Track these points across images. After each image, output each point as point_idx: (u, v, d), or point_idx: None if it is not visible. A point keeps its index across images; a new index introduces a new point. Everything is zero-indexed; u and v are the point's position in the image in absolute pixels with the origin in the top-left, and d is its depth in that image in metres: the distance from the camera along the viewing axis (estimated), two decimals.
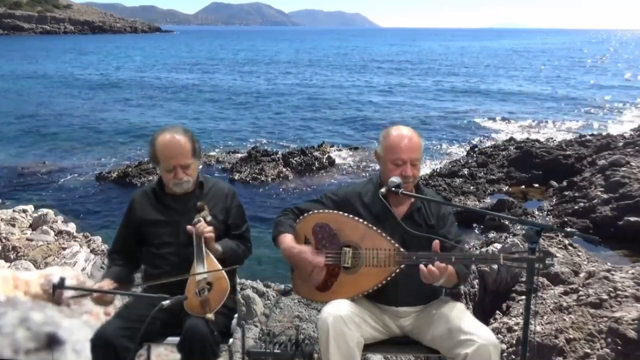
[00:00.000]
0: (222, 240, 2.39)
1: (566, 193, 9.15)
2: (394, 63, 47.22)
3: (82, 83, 28.77)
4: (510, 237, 6.19)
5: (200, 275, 2.17)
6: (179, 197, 2.41)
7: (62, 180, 11.04)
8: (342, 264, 2.24)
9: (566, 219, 8.09)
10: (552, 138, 14.11)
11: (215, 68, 40.58)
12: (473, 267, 4.05)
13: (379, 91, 26.76)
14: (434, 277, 2.03)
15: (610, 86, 28.77)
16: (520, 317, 3.37)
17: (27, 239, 6.01)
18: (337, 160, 12.62)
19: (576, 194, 8.85)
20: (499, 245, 4.94)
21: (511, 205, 8.66)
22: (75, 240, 6.26)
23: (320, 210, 2.33)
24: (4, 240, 5.77)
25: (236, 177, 10.94)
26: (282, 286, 4.81)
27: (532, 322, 1.84)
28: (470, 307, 4.26)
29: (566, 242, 4.44)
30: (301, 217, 2.34)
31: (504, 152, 12.08)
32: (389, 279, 2.17)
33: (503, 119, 18.55)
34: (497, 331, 3.49)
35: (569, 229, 7.36)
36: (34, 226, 6.74)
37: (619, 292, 3.23)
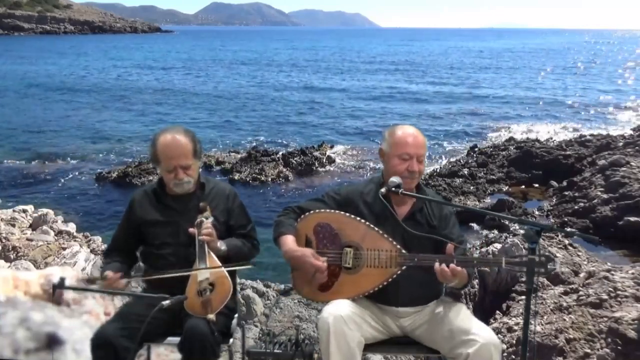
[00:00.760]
0: (227, 239, 2.39)
1: (566, 193, 9.16)
2: (393, 63, 47.22)
3: (82, 83, 28.77)
4: (510, 237, 6.18)
5: (203, 275, 2.16)
6: (179, 197, 2.41)
7: (62, 180, 11.04)
8: (343, 264, 2.24)
9: (566, 219, 8.09)
10: (552, 138, 14.12)
11: (215, 68, 40.58)
12: None
13: (378, 91, 26.75)
14: (446, 277, 2.04)
15: (609, 86, 28.76)
16: (520, 317, 3.37)
17: (27, 239, 6.01)
18: (337, 160, 12.63)
19: (576, 194, 8.85)
20: (499, 245, 4.94)
21: (511, 205, 8.67)
22: (75, 240, 6.26)
23: (322, 210, 2.32)
24: (4, 240, 5.77)
25: (236, 177, 10.94)
26: (282, 286, 4.81)
27: (532, 322, 1.84)
28: (470, 307, 4.26)
29: (566, 242, 4.44)
30: (302, 216, 2.34)
31: (504, 152, 12.09)
32: (390, 280, 2.17)
33: (503, 120, 18.56)
34: (497, 331, 3.49)
35: (569, 229, 7.36)
36: (34, 226, 6.74)
37: (619, 292, 3.23)
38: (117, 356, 2.02)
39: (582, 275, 3.81)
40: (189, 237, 2.28)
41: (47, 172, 11.56)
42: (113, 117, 18.68)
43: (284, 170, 11.43)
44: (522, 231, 5.79)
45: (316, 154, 12.57)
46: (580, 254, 4.28)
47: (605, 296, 3.24)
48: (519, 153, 11.28)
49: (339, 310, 2.07)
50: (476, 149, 13.08)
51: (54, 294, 2.05)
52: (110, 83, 29.15)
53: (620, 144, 10.96)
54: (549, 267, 1.87)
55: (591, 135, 13.04)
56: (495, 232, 7.78)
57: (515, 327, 3.43)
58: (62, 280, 1.95)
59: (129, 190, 10.08)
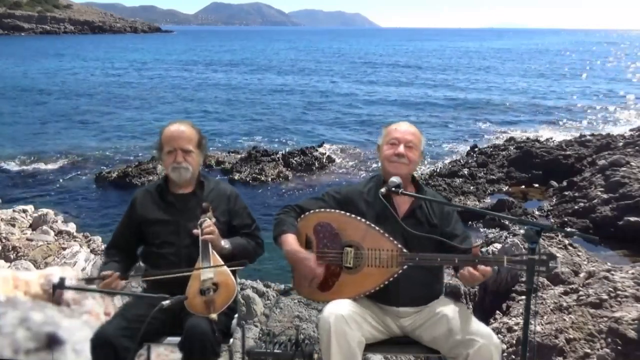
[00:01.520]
0: (232, 238, 2.39)
1: (566, 193, 9.16)
2: (392, 63, 47.20)
3: (81, 83, 28.76)
4: (510, 237, 6.18)
5: (206, 274, 2.15)
6: (181, 196, 2.42)
7: (62, 180, 11.04)
8: (343, 263, 2.23)
9: (566, 219, 8.09)
10: (552, 138, 14.12)
11: (214, 68, 40.58)
12: None
13: (379, 91, 26.75)
14: (476, 280, 2.05)
15: (609, 86, 28.76)
16: (520, 317, 3.37)
17: (27, 239, 6.01)
18: (337, 160, 12.63)
19: (576, 194, 8.85)
20: (499, 245, 4.94)
21: (511, 205, 8.67)
22: (75, 240, 6.26)
23: (322, 210, 2.32)
24: (4, 240, 5.77)
25: (236, 177, 10.94)
26: (282, 286, 4.81)
27: (532, 322, 1.84)
28: (470, 307, 4.26)
29: (566, 242, 4.44)
30: (303, 215, 2.33)
31: (504, 152, 12.09)
32: (391, 279, 2.17)
33: (503, 120, 18.56)
34: (497, 331, 3.49)
35: (569, 229, 7.36)
36: (34, 226, 6.74)
37: (619, 292, 3.23)
38: (117, 356, 2.01)
39: (582, 275, 3.81)
40: (191, 236, 2.29)
41: (47, 172, 11.56)
42: (113, 117, 18.68)
43: (284, 170, 11.43)
44: (522, 231, 5.79)
45: (316, 154, 12.57)
46: (580, 254, 4.28)
47: (605, 296, 3.24)
48: (519, 153, 11.28)
49: (340, 310, 2.07)
50: (476, 149, 13.08)
51: (54, 294, 2.04)
52: (110, 83, 29.14)
53: (620, 144, 10.96)
54: (550, 265, 1.87)
55: (591, 135, 13.04)
56: (495, 232, 7.79)
57: (515, 327, 3.43)
58: (62, 280, 1.95)
59: (129, 190, 10.09)
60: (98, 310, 2.99)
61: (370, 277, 2.19)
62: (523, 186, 10.32)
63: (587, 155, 10.91)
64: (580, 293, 3.40)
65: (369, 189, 2.35)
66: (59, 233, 6.44)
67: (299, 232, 2.29)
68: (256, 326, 4.02)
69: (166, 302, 1.85)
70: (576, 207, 8.36)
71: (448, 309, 2.17)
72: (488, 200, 9.42)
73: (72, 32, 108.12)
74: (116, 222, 2.65)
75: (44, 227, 6.52)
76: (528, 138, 13.56)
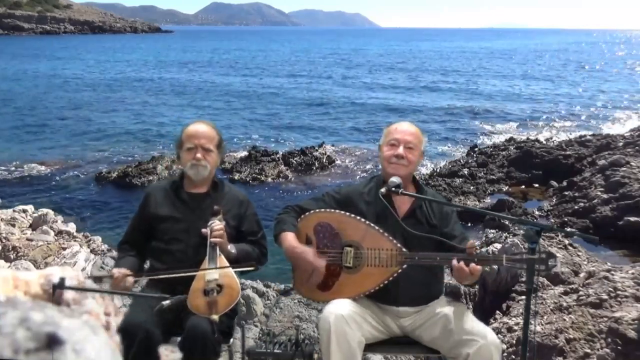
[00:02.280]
0: (238, 244, 2.40)
1: (566, 193, 9.15)
2: (392, 64, 47.21)
3: (81, 83, 28.76)
4: (510, 237, 6.19)
5: (211, 275, 2.16)
6: (194, 195, 2.44)
7: (62, 180, 11.03)
8: (343, 263, 2.24)
9: (566, 219, 8.08)
10: (552, 138, 14.11)
11: (214, 68, 40.58)
12: None
13: (378, 92, 26.75)
14: (462, 275, 2.05)
15: (609, 86, 28.76)
16: (520, 317, 3.37)
17: (27, 239, 6.01)
18: (337, 160, 12.62)
19: (576, 194, 8.84)
20: (499, 245, 4.94)
21: (511, 205, 8.66)
22: (75, 240, 6.26)
23: (322, 210, 2.32)
24: (4, 240, 5.77)
25: (236, 177, 10.94)
26: (282, 286, 4.81)
27: (532, 322, 1.84)
28: (470, 307, 4.26)
29: (566, 242, 4.44)
30: (303, 215, 2.34)
31: (504, 152, 12.08)
32: (390, 279, 2.17)
33: (503, 120, 18.56)
34: (497, 331, 3.48)
35: (569, 229, 7.36)
36: (34, 226, 6.74)
37: (619, 292, 3.23)
38: (150, 341, 2.02)
39: (582, 275, 3.81)
40: (200, 236, 2.30)
41: (47, 172, 11.56)
42: (113, 116, 18.67)
43: (284, 170, 11.42)
44: (522, 231, 5.79)
45: (316, 154, 12.56)
46: (580, 254, 4.28)
47: (605, 296, 3.24)
48: (519, 153, 11.27)
49: (340, 310, 2.07)
50: (476, 149, 13.07)
51: (54, 294, 2.04)
52: (110, 83, 29.13)
53: (620, 144, 10.95)
54: (550, 263, 1.87)
55: (591, 135, 13.03)
56: (495, 232, 7.78)
57: (515, 327, 3.43)
58: (62, 280, 1.95)
59: (129, 190, 10.09)
60: (98, 310, 2.99)
61: (370, 277, 2.19)
62: (523, 186, 10.31)
63: (587, 155, 10.90)
64: (580, 293, 3.40)
65: (369, 189, 2.35)
66: (59, 233, 6.44)
67: (299, 232, 2.30)
68: (256, 326, 4.03)
69: (166, 302, 1.85)
70: (576, 207, 8.35)
71: (448, 309, 2.17)
72: (488, 200, 9.42)
73: (72, 32, 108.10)
74: (117, 221, 2.66)
75: (44, 227, 6.52)
76: (528, 138, 13.55)
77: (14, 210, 7.11)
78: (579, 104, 22.41)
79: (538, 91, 26.72)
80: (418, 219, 2.27)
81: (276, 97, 24.48)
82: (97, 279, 2.29)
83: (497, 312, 3.87)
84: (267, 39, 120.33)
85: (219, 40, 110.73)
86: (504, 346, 3.29)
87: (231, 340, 2.35)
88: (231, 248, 2.33)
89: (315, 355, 2.45)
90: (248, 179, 10.86)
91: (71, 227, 6.82)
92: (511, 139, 13.70)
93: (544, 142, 12.92)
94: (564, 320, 3.18)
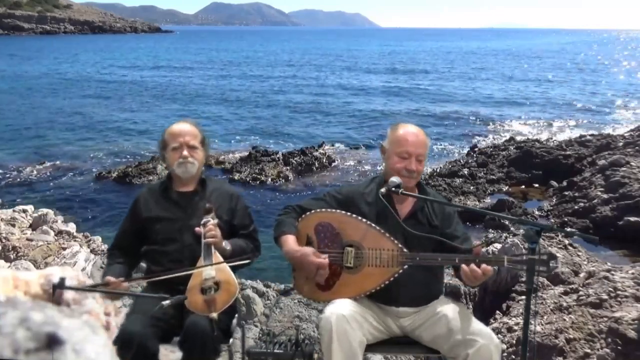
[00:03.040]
0: (232, 240, 2.40)
1: (566, 193, 9.15)
2: (392, 64, 47.20)
3: (81, 83, 28.76)
4: (510, 237, 6.18)
5: (208, 273, 2.15)
6: (184, 194, 2.44)
7: (62, 180, 11.03)
8: (344, 263, 2.23)
9: (566, 219, 8.08)
10: (552, 138, 14.11)
11: (214, 68, 40.57)
12: None
13: (378, 92, 26.75)
14: (477, 278, 2.03)
15: (609, 85, 28.76)
16: (520, 317, 3.37)
17: (27, 239, 6.01)
18: (337, 161, 12.62)
19: (576, 194, 8.84)
20: (499, 245, 4.94)
21: (511, 205, 8.66)
22: (75, 240, 6.26)
23: (323, 210, 2.32)
24: (4, 240, 5.77)
25: (236, 177, 10.94)
26: (282, 286, 4.81)
27: (532, 322, 1.84)
28: (470, 307, 4.26)
29: (566, 242, 4.44)
30: (303, 215, 2.34)
31: (504, 152, 12.08)
32: (391, 279, 2.17)
33: (503, 120, 18.56)
34: (497, 331, 3.49)
35: (569, 229, 7.36)
36: (34, 226, 6.74)
37: (619, 292, 3.23)
38: (146, 353, 2.01)
39: (582, 275, 3.81)
40: (194, 235, 2.30)
41: (47, 172, 11.55)
42: (113, 117, 18.67)
43: (284, 170, 11.42)
44: (522, 231, 5.79)
45: (316, 154, 12.56)
46: (580, 254, 4.28)
47: (605, 296, 3.24)
48: (519, 153, 11.27)
49: (342, 310, 2.07)
50: (476, 149, 13.08)
51: (54, 294, 2.04)
52: (110, 83, 29.13)
53: (620, 144, 10.95)
54: (551, 265, 1.87)
55: (591, 135, 13.03)
56: (495, 232, 7.78)
57: (515, 327, 3.43)
58: (62, 280, 1.95)
59: (129, 190, 10.08)
60: (98, 310, 2.99)
61: (370, 277, 2.19)
62: (523, 186, 10.31)
63: (587, 155, 10.90)
64: (580, 293, 3.40)
65: (370, 189, 2.35)
66: (59, 233, 6.44)
67: (299, 232, 2.30)
68: (256, 326, 4.02)
69: (166, 302, 1.85)
70: (576, 207, 8.35)
71: (448, 309, 2.17)
72: (488, 200, 9.41)
73: (72, 32, 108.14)
74: (117, 221, 2.66)
75: (44, 227, 6.52)
76: (528, 138, 13.55)
77: (14, 210, 7.11)
78: (579, 104, 22.40)
79: (538, 91, 26.71)
80: (419, 220, 2.27)
81: (276, 97, 24.48)
82: (92, 288, 2.26)
83: (497, 312, 3.87)
84: (267, 39, 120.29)
85: (219, 40, 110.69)
86: (504, 346, 3.29)
87: (231, 340, 2.35)
88: (226, 245, 2.32)
89: (315, 355, 2.45)
90: (248, 179, 10.86)
91: (71, 227, 6.82)
92: (511, 139, 13.70)
93: (544, 142, 12.92)
94: (564, 320, 3.18)
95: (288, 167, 11.61)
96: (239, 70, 39.13)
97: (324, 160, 12.24)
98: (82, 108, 20.48)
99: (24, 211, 7.16)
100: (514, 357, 3.19)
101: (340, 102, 22.93)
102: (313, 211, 2.33)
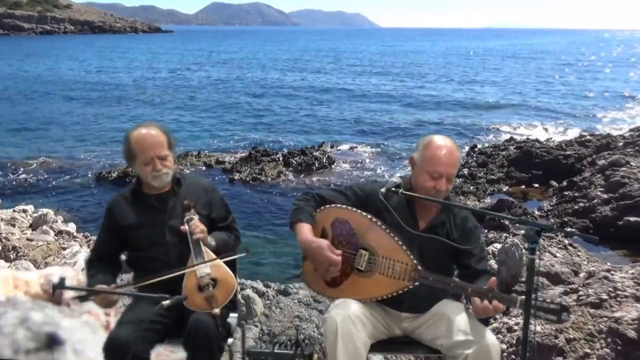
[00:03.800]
0: (214, 233, 2.38)
1: (566, 193, 9.15)
2: (392, 64, 47.20)
3: (80, 83, 28.75)
4: (510, 237, 6.18)
5: (203, 271, 2.15)
6: (159, 196, 2.40)
7: (62, 180, 11.03)
8: (356, 265, 2.21)
9: (566, 219, 8.08)
10: (552, 138, 14.11)
11: (214, 68, 40.56)
12: None
13: (378, 92, 26.74)
14: (488, 313, 2.01)
15: (609, 86, 28.76)
16: (520, 317, 3.37)
17: (27, 239, 6.02)
18: (337, 160, 12.62)
19: (576, 194, 8.84)
20: (499, 245, 4.94)
21: (511, 205, 8.66)
22: (75, 240, 6.27)
23: (344, 206, 2.28)
24: (4, 240, 5.77)
25: (236, 177, 10.93)
26: (282, 286, 4.81)
27: (532, 322, 1.84)
28: (470, 307, 4.26)
29: (566, 242, 4.44)
30: (322, 207, 2.30)
31: (504, 152, 12.08)
32: (400, 292, 2.16)
33: (503, 120, 18.55)
34: (497, 331, 3.49)
35: (569, 229, 7.35)
36: (34, 226, 6.75)
37: (619, 292, 3.23)
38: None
39: (582, 275, 3.81)
40: (177, 235, 2.27)
41: (47, 172, 11.55)
42: (113, 116, 18.67)
43: (284, 170, 11.42)
44: (522, 231, 5.79)
45: (316, 154, 12.56)
46: (580, 254, 4.28)
47: (605, 296, 3.24)
48: (519, 153, 11.27)
49: (347, 310, 2.07)
50: (476, 149, 13.07)
51: (54, 294, 2.04)
52: (110, 83, 29.12)
53: (620, 144, 10.95)
54: (563, 317, 1.87)
55: (591, 135, 13.03)
56: (495, 232, 7.78)
57: (515, 327, 3.43)
58: (62, 280, 1.95)
59: None
60: (98, 310, 2.99)
61: (379, 285, 2.17)
62: (523, 186, 10.31)
63: (587, 155, 10.90)
64: (580, 293, 3.40)
65: (393, 193, 2.30)
66: (59, 233, 6.44)
67: (316, 223, 2.26)
68: (256, 326, 4.02)
69: (166, 302, 1.85)
70: (576, 207, 8.35)
71: (448, 309, 2.17)
72: (488, 200, 9.41)
73: (72, 32, 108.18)
74: None
75: (44, 227, 6.52)
76: (528, 138, 13.55)
77: (14, 210, 7.12)
78: (579, 103, 22.40)
79: (538, 91, 26.70)
80: (439, 234, 2.22)
81: (276, 97, 24.48)
82: (83, 299, 2.24)
83: None
84: (266, 39, 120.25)
85: (219, 40, 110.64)
86: (504, 346, 3.29)
87: (231, 340, 2.35)
88: (210, 240, 2.31)
89: (315, 355, 2.45)
90: (248, 179, 10.86)
91: (71, 227, 6.83)
92: (511, 139, 13.69)
93: (544, 142, 12.92)
94: None
95: (288, 167, 11.61)
96: (239, 70, 39.12)
97: (324, 160, 12.24)
98: (83, 108, 20.48)
99: (24, 211, 7.16)
100: (514, 357, 3.19)
101: (341, 102, 22.93)
102: (333, 205, 2.29)
